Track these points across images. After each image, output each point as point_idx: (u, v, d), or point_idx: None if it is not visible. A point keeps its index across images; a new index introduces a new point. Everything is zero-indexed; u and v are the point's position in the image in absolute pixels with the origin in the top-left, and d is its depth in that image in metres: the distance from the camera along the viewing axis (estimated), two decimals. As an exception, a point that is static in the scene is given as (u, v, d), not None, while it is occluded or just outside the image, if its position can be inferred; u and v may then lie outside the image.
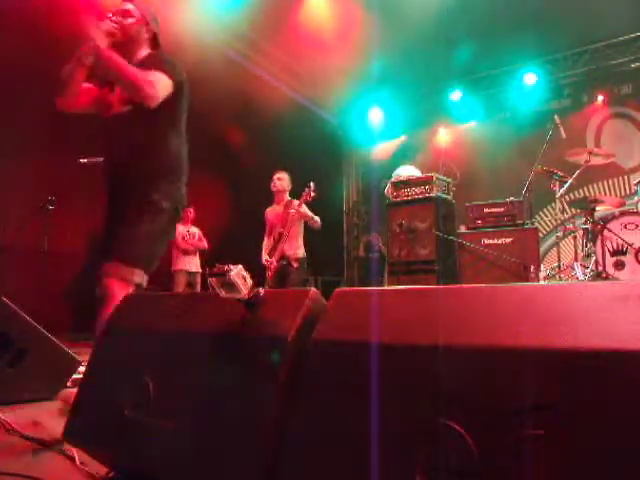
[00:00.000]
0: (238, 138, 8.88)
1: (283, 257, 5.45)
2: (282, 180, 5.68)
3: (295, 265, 5.44)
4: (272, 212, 5.79)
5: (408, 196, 6.46)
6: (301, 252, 5.60)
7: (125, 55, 2.72)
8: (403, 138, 10.16)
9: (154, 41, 2.99)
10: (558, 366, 1.08)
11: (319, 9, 7.67)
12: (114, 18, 2.72)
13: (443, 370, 1.18)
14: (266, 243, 5.76)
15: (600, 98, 8.47)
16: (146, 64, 2.77)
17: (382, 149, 10.12)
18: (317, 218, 5.47)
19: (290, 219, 5.37)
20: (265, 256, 5.63)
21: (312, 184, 5.22)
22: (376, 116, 10.02)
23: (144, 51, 2.91)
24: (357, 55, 7.42)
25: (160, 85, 2.65)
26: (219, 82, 7.13)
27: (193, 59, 7.00)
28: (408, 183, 6.54)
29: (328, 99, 8.93)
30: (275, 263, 5.40)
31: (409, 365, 1.22)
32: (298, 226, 5.57)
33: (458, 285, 1.37)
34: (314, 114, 9.12)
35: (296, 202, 5.36)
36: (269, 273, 5.55)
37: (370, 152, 10.21)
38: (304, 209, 5.44)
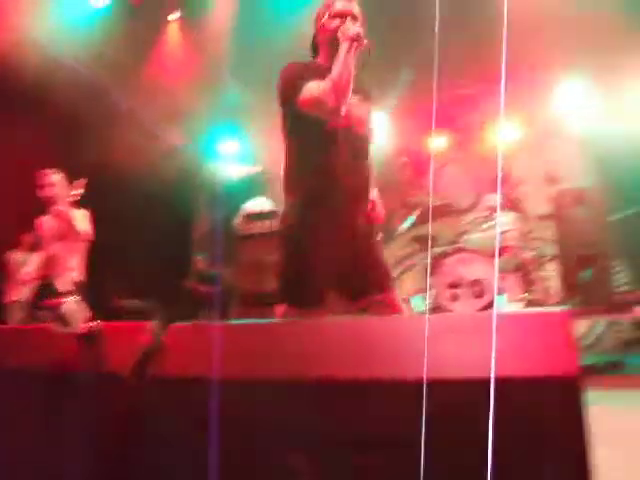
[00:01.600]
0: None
1: (48, 279, 4.24)
2: (55, 185, 4.40)
3: (65, 294, 4.14)
4: (47, 222, 4.50)
5: (258, 229, 6.56)
6: (74, 276, 4.27)
7: None
8: (257, 168, 10.18)
9: None
10: (387, 396, 1.16)
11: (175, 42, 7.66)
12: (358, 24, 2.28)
13: (284, 403, 1.21)
14: (32, 257, 4.61)
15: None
16: None
17: (235, 179, 10.08)
18: (81, 228, 4.24)
19: (57, 229, 4.24)
20: (27, 269, 4.53)
21: (82, 180, 4.12)
22: (231, 147, 9.95)
23: None
24: (216, 84, 7.45)
25: None
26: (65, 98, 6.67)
27: (37, 71, 6.53)
28: (258, 216, 6.67)
29: (184, 129, 8.85)
30: (33, 282, 4.27)
31: (248, 398, 1.24)
32: (70, 241, 4.31)
33: (289, 319, 1.40)
34: (167, 143, 8.99)
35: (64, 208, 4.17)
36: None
37: (223, 182, 10.08)
38: (71, 212, 4.21)
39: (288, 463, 1.18)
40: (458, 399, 1.11)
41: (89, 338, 1.39)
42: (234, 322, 1.53)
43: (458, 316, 1.38)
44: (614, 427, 2.65)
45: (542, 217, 6.64)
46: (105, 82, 7.85)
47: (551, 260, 6.38)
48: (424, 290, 5.93)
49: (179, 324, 1.46)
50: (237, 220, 6.59)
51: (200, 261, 7.63)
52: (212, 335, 1.35)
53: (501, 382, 1.03)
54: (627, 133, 6.51)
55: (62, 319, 1.31)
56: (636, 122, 6.64)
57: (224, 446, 1.19)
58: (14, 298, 6.91)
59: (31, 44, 6.25)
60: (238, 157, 9.92)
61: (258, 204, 6.96)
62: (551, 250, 6.42)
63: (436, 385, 1.09)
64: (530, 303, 5.36)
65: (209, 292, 7.14)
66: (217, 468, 1.20)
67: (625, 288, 6.08)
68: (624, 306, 5.30)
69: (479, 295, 5.15)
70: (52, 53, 6.74)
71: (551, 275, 6.16)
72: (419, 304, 5.67)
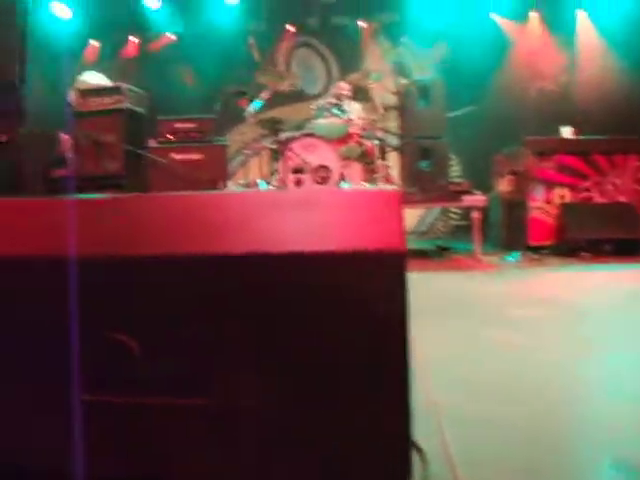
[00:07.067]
0: None
1: None
2: None
3: None
4: None
5: (96, 106, 5.72)
6: None
7: None
8: (93, 43, 8.80)
9: None
10: (212, 270, 1.09)
11: None
12: None
13: (107, 281, 1.14)
14: None
15: (291, 28, 8.84)
16: None
17: (68, 50, 8.04)
18: None
19: None
20: None
21: None
22: (60, 11, 8.22)
23: None
24: None
25: None
26: None
27: None
28: (96, 92, 5.80)
29: None
30: None
31: (75, 278, 1.13)
32: None
33: (120, 195, 1.26)
34: None
35: None
36: None
37: (54, 52, 7.95)
38: None
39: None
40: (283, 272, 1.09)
41: None
42: (81, 197, 1.36)
43: (286, 192, 1.17)
44: (438, 303, 3.20)
45: (388, 108, 7.00)
46: None
47: (393, 150, 6.94)
48: (271, 174, 5.91)
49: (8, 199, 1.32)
50: (70, 95, 5.79)
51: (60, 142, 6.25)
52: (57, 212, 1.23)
53: (324, 255, 1.06)
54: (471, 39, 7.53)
55: None
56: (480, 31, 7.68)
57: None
58: None
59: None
60: (71, 25, 8.32)
61: (95, 79, 6.08)
62: (394, 140, 7.18)
63: (258, 258, 1.09)
64: (371, 190, 5.13)
65: (63, 176, 6.00)
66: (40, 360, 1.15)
67: (456, 180, 6.75)
68: (455, 196, 5.64)
69: (323, 181, 5.40)
70: None
71: (392, 165, 6.55)
72: (265, 188, 5.70)
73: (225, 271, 1.09)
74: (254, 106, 6.06)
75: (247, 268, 1.08)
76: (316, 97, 8.14)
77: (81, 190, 5.37)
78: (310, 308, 1.09)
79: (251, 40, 7.44)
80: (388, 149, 6.68)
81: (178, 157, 5.77)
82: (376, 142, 6.04)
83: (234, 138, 7.95)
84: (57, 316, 1.12)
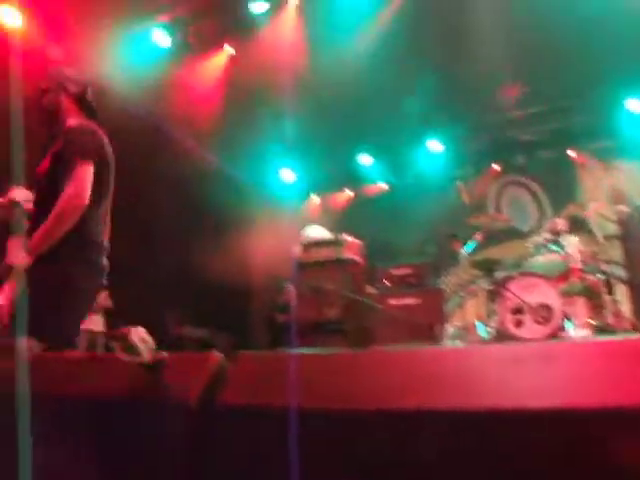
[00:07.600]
0: (146, 193, 7.73)
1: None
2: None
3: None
4: None
5: (317, 257, 6.11)
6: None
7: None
8: (313, 198, 10.07)
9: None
10: (454, 425, 1.08)
11: (220, 66, 7.67)
12: None
13: (354, 435, 1.19)
14: None
15: (498, 167, 9.13)
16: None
17: (292, 208, 9.72)
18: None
19: None
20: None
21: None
22: (286, 175, 9.86)
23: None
24: (266, 114, 7.60)
25: None
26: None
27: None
28: (317, 244, 6.23)
29: (235, 157, 8.70)
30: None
31: (320, 431, 1.23)
32: None
33: (365, 350, 1.37)
34: (219, 170, 8.79)
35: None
36: None
37: (280, 211, 9.48)
38: None
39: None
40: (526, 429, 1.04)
41: (155, 368, 1.42)
42: (312, 352, 1.49)
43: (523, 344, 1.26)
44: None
45: (608, 237, 7.17)
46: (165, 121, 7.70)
47: (620, 282, 6.51)
48: (488, 315, 5.81)
49: (250, 353, 1.45)
50: (296, 248, 6.25)
51: (286, 291, 6.90)
52: (288, 364, 1.36)
53: (574, 412, 1.01)
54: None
55: (131, 348, 1.36)
56: None
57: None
58: (83, 327, 7.07)
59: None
60: (294, 185, 9.77)
61: (317, 232, 6.58)
62: (619, 272, 6.72)
63: (505, 415, 1.07)
64: (599, 328, 5.36)
65: (286, 321, 6.64)
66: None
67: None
68: (699, 330, 5.09)
69: (544, 321, 5.15)
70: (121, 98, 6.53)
71: (622, 298, 6.20)
72: (483, 331, 5.72)
73: (455, 427, 1.08)
74: (468, 248, 6.36)
75: (487, 423, 1.07)
76: (529, 234, 8.12)
77: (303, 334, 5.89)
78: (554, 470, 1.00)
79: (459, 183, 7.90)
80: (615, 281, 6.34)
81: (395, 302, 6.01)
82: (600, 275, 5.82)
83: (449, 280, 8.13)
84: (281, 464, 1.17)
